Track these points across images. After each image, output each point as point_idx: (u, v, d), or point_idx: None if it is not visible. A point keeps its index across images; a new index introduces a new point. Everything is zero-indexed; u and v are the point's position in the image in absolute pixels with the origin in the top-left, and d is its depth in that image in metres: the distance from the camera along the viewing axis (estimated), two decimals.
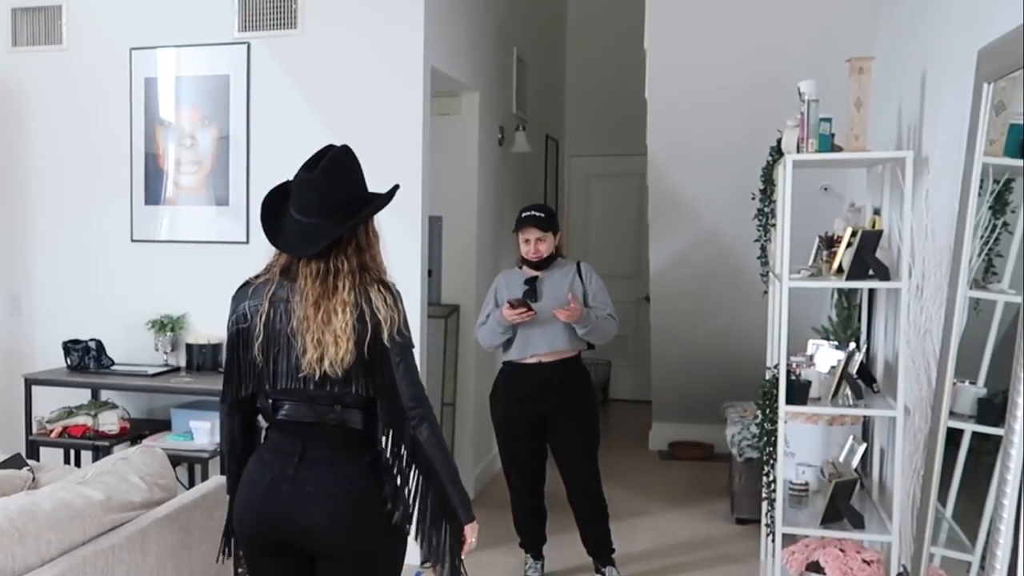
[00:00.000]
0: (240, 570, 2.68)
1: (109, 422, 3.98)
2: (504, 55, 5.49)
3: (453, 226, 5.00)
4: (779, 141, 3.42)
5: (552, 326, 3.72)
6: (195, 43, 4.29)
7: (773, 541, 3.24)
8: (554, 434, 3.85)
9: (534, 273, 3.82)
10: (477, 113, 4.96)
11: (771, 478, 3.30)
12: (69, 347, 4.23)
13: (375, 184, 2.12)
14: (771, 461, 3.29)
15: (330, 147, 2.06)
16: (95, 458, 3.76)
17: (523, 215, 3.81)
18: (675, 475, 5.70)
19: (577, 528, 3.94)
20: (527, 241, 3.78)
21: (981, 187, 2.20)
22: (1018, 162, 2.16)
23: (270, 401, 2.09)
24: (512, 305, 3.65)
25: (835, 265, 3.15)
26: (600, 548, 3.92)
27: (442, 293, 5.11)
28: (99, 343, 4.25)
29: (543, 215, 3.79)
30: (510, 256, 5.89)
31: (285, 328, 2.02)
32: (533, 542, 4.03)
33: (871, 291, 3.52)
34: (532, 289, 3.75)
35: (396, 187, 2.10)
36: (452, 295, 5.08)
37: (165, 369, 4.21)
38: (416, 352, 2.11)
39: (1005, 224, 2.23)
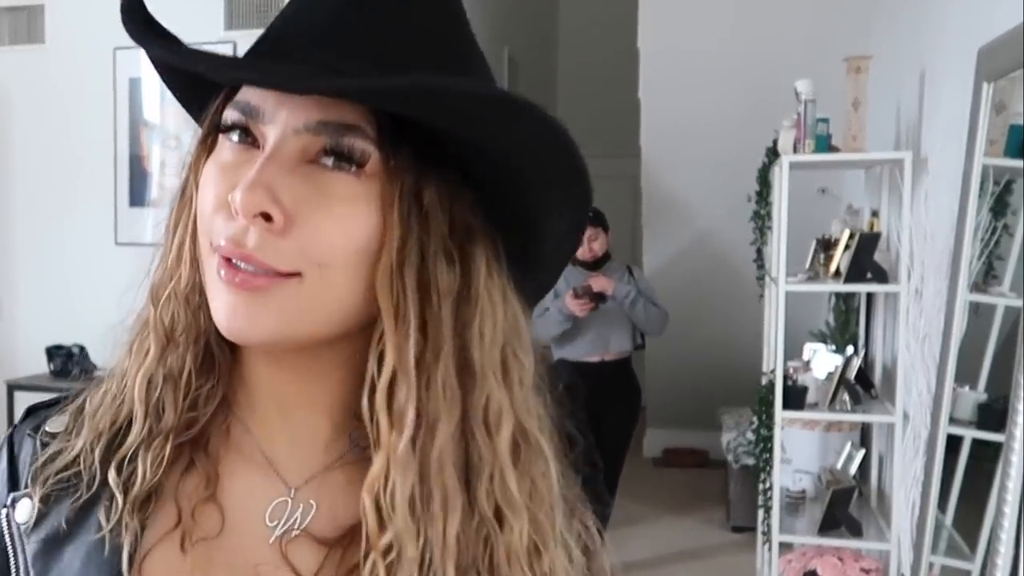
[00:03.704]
0: None
1: None
2: (495, 55, 5.45)
3: None
4: (775, 142, 3.38)
5: (620, 327, 3.86)
6: None
7: (770, 550, 3.20)
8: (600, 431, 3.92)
9: (594, 275, 3.85)
10: None
11: (767, 485, 3.26)
12: (52, 352, 4.18)
13: None
14: (767, 468, 3.25)
15: None
16: None
17: None
18: (669, 482, 5.65)
19: None
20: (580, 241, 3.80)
21: (981, 188, 2.20)
22: (1018, 163, 2.15)
23: None
24: (576, 295, 3.67)
25: (832, 268, 3.11)
26: None
27: None
28: (83, 348, 4.20)
29: (591, 213, 3.79)
30: None
31: None
32: None
33: (869, 295, 3.49)
34: (598, 292, 3.77)
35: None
36: None
37: None
38: None
39: (1005, 226, 2.22)
